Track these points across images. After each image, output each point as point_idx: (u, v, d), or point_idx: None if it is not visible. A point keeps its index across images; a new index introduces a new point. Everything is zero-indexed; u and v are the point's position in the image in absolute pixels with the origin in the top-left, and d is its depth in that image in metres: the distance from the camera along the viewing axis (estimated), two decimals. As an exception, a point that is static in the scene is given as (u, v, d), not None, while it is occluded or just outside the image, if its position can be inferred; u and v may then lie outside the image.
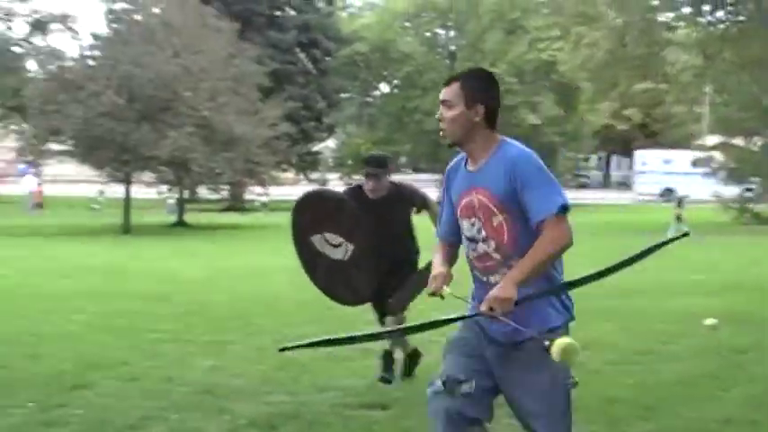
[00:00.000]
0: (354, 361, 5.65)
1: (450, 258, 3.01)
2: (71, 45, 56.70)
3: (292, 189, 24.01)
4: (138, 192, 22.78)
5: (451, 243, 3.00)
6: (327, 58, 35.41)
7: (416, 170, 43.65)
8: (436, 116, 2.88)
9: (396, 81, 38.74)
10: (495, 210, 2.73)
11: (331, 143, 41.43)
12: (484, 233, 2.78)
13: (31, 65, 31.71)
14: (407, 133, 36.71)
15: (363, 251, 4.69)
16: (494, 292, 2.62)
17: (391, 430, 4.31)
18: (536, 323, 2.69)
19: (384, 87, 40.89)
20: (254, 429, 4.32)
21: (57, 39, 41.77)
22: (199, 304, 8.47)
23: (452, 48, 39.15)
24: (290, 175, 34.51)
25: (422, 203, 5.28)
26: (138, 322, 7.30)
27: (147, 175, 22.20)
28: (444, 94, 2.81)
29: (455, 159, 2.97)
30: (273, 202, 27.34)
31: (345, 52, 35.85)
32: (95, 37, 24.90)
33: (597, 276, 2.85)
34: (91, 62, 22.81)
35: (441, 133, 2.85)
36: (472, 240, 2.83)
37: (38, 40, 32.90)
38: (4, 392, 4.98)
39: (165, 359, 5.93)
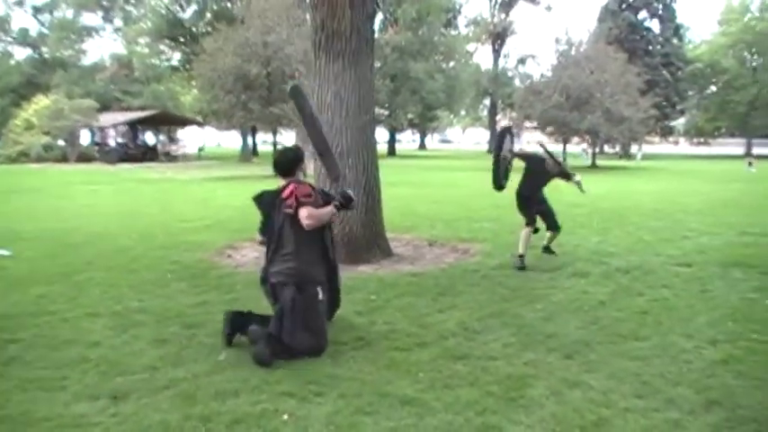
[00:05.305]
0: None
1: None
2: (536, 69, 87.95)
3: (655, 147, 51.51)
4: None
5: None
6: (679, 73, 59.85)
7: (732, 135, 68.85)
8: None
9: (720, 84, 64.08)
10: None
11: (681, 120, 68.66)
12: None
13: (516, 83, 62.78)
14: (727, 113, 62.77)
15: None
16: None
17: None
18: None
19: (713, 88, 66.89)
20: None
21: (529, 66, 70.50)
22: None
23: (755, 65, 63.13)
24: (655, 139, 60.22)
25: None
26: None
27: (575, 140, 40.34)
28: None
29: None
30: (645, 155, 51.37)
31: (689, 69, 61.41)
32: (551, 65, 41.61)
33: None
34: (546, 78, 38.80)
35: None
36: None
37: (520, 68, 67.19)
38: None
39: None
